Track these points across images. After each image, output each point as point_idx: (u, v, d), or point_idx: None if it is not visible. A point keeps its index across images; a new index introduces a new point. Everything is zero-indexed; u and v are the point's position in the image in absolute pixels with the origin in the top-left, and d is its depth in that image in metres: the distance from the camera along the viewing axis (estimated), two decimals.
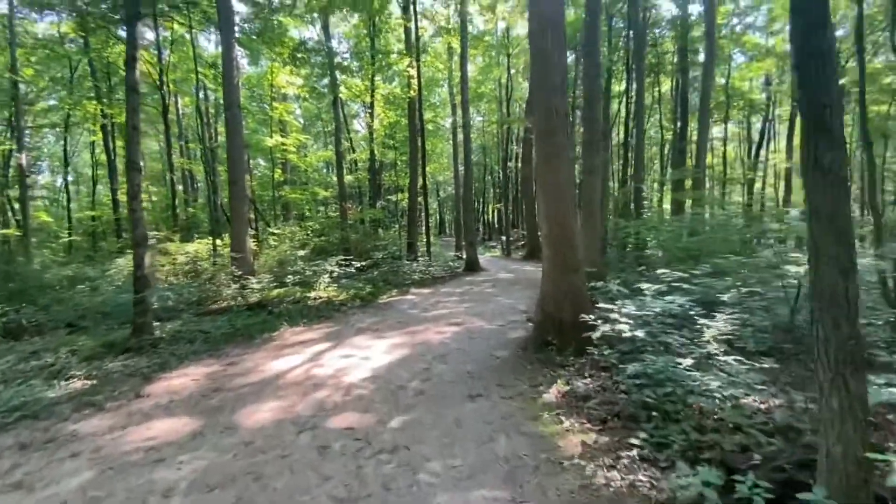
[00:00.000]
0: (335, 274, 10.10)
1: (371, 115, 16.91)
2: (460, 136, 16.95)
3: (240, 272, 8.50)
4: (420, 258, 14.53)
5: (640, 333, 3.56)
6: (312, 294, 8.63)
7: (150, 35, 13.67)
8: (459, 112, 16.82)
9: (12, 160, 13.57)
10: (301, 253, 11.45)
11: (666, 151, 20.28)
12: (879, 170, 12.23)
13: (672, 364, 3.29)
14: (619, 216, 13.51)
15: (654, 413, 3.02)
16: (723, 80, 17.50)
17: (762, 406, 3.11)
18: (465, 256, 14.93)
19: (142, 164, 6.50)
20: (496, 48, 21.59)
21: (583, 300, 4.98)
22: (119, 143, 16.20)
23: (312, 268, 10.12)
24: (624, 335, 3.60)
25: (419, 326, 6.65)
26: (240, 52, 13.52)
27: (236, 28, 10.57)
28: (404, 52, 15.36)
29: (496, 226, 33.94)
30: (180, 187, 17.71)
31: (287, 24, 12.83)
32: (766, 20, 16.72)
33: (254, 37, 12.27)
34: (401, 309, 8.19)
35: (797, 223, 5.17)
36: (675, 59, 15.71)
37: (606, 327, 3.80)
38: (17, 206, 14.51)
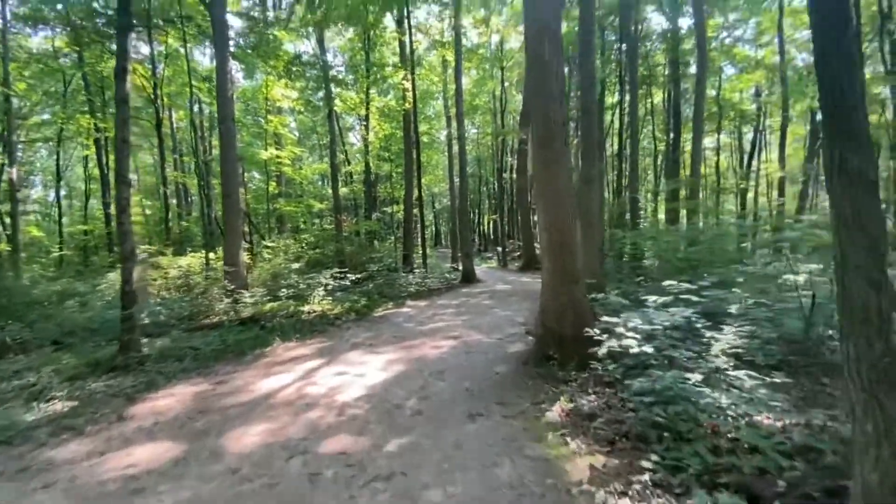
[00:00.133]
0: (330, 287, 9.92)
1: (366, 127, 16.91)
2: (455, 148, 16.94)
3: (233, 286, 8.32)
4: (416, 270, 14.37)
5: (648, 349, 3.41)
6: (306, 307, 8.43)
7: (144, 49, 13.70)
8: (454, 124, 16.89)
9: (3, 175, 13.38)
10: (295, 266, 11.27)
11: (659, 162, 20.41)
12: None
13: (681, 380, 3.15)
14: (615, 226, 13.48)
15: (665, 433, 2.85)
16: (714, 92, 17.70)
17: (778, 424, 2.96)
18: (461, 268, 14.78)
19: (134, 177, 6.39)
20: (490, 61, 21.85)
21: (584, 312, 4.84)
22: (112, 157, 16.07)
23: (307, 281, 9.94)
24: (632, 350, 3.44)
25: (415, 340, 6.46)
26: (235, 66, 13.53)
27: (231, 42, 10.55)
28: (399, 65, 15.46)
29: (492, 237, 33.86)
30: (174, 201, 17.53)
31: (282, 37, 12.85)
32: (755, 33, 17.02)
33: (249, 50, 12.29)
34: (396, 322, 8.01)
35: (810, 231, 5.02)
36: (667, 71, 15.90)
37: (613, 342, 3.64)
38: (7, 220, 14.27)
